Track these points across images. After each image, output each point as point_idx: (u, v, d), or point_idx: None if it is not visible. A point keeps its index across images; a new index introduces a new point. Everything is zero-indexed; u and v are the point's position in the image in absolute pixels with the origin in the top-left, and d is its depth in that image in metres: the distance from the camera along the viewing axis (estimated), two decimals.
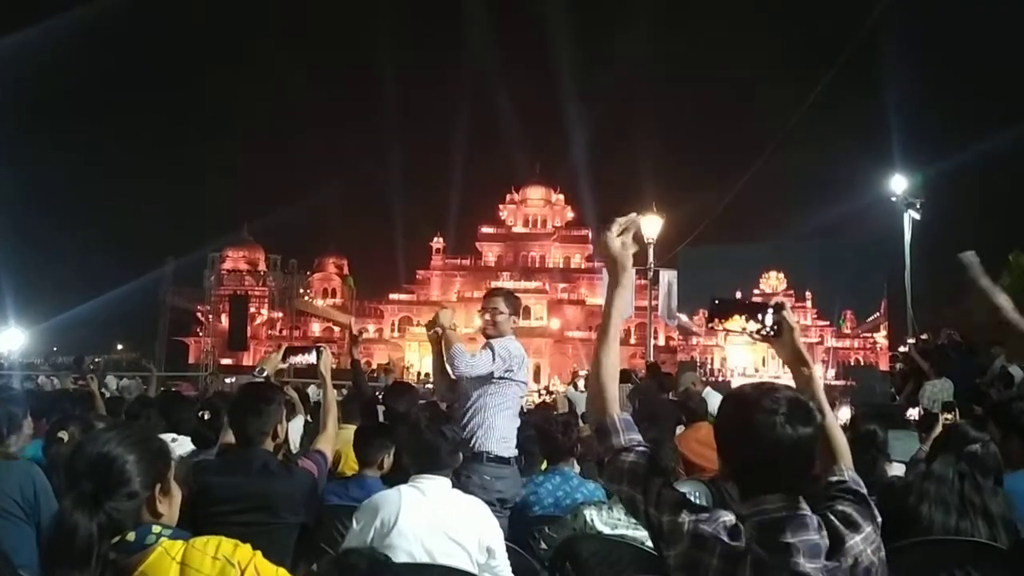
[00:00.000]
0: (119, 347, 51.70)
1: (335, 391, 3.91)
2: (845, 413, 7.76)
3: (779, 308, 2.06)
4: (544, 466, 4.53)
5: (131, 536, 1.75)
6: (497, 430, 4.17)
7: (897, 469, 4.55)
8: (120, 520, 1.74)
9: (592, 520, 3.31)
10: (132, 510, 1.78)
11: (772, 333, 2.04)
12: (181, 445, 4.36)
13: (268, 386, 3.69)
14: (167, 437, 4.78)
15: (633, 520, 3.25)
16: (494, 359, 4.15)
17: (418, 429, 3.14)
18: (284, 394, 3.76)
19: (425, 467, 3.00)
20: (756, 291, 40.96)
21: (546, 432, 4.38)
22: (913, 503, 3.00)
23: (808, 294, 49.79)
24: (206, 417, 4.40)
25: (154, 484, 1.83)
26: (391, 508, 2.84)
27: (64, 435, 3.71)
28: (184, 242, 58.93)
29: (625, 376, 11.14)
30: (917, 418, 6.81)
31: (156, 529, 1.79)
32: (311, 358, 3.85)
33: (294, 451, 4.72)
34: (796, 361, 2.03)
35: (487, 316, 4.31)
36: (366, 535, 2.81)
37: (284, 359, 3.93)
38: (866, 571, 1.71)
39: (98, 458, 1.77)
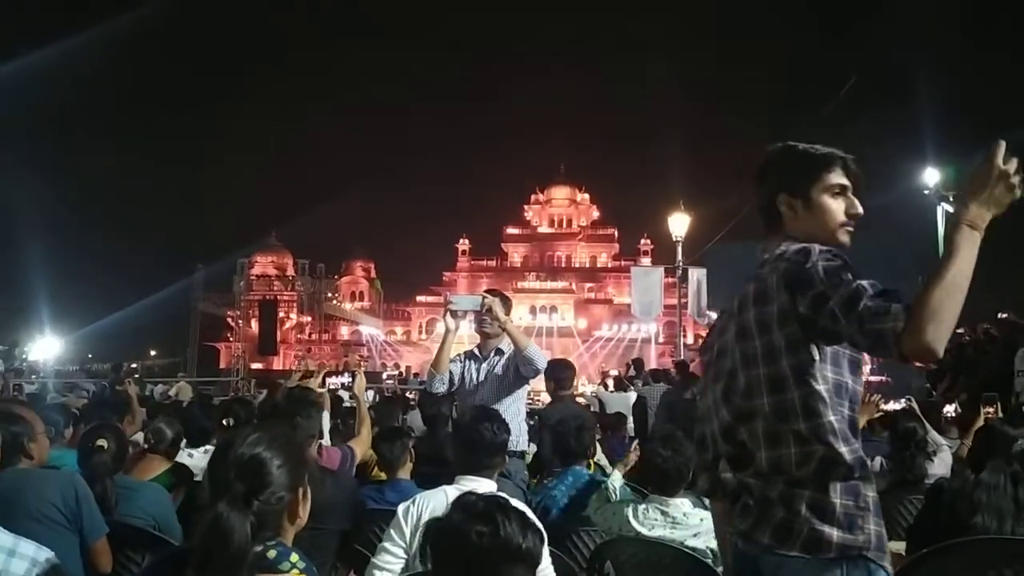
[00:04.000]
0: (152, 353, 52.42)
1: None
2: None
3: None
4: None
5: (272, 553, 1.69)
6: (524, 431, 4.41)
7: (937, 467, 4.49)
8: (264, 523, 1.68)
9: (628, 518, 3.27)
10: (277, 512, 1.74)
11: None
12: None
13: (311, 391, 4.59)
14: (199, 450, 4.86)
15: (670, 519, 3.22)
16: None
17: (459, 427, 3.16)
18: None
19: (467, 467, 2.98)
20: None
21: (561, 436, 4.22)
22: (966, 515, 2.95)
23: None
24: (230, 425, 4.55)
25: (297, 488, 1.79)
26: (439, 508, 2.80)
27: (103, 443, 3.71)
28: (214, 249, 59.57)
29: (656, 375, 11.20)
30: (953, 415, 6.68)
31: (294, 558, 1.72)
32: (347, 380, 4.38)
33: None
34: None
35: (487, 317, 4.30)
36: (414, 533, 2.76)
37: (323, 383, 4.60)
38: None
39: (250, 460, 1.72)
